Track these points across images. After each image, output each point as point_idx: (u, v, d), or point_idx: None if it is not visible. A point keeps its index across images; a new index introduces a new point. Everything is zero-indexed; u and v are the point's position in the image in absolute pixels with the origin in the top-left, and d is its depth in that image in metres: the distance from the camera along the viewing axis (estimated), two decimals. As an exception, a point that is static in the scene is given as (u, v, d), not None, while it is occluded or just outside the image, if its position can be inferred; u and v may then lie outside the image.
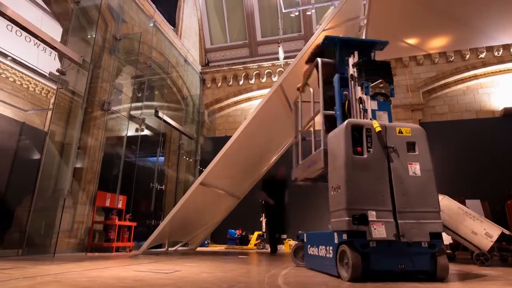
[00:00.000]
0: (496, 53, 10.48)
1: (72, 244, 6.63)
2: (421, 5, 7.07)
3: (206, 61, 13.43)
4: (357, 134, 3.27)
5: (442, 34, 7.88)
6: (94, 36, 7.53)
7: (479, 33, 7.72)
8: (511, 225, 5.70)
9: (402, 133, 3.29)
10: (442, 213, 5.07)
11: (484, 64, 10.60)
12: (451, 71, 10.80)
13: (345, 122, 3.30)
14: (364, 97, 3.72)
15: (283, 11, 10.55)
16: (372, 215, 3.01)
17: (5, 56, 12.36)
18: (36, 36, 5.48)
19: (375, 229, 2.98)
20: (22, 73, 13.27)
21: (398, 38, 8.03)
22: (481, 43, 9.03)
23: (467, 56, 10.68)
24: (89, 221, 6.99)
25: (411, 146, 3.28)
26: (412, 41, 8.12)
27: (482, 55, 10.59)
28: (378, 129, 3.19)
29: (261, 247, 9.98)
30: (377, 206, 3.05)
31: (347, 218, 2.96)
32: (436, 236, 2.99)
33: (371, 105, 3.65)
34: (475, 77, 10.77)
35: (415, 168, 3.19)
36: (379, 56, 4.60)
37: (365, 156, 3.18)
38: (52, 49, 5.88)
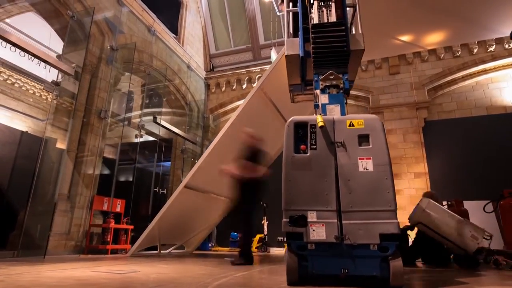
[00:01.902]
0: (506, 46, 9.92)
1: (70, 246, 6.97)
2: (410, 1, 6.88)
3: (211, 67, 13.66)
4: (301, 132, 3.11)
5: (437, 29, 7.61)
6: (92, 48, 7.93)
7: (477, 26, 7.40)
8: (504, 226, 5.42)
9: (353, 125, 3.06)
10: (429, 215, 4.96)
11: (494, 57, 10.06)
12: (458, 66, 10.34)
13: (289, 120, 3.17)
14: (316, 91, 3.50)
15: (277, 14, 10.57)
16: (312, 216, 2.86)
17: (24, 71, 13.28)
18: (27, 51, 5.88)
19: (313, 230, 2.83)
20: (41, 85, 14.10)
21: (391, 36, 7.83)
22: (480, 37, 8.62)
23: (475, 50, 10.19)
24: (87, 224, 7.31)
25: (364, 139, 2.99)
26: (406, 38, 7.89)
27: (491, 48, 10.07)
28: (320, 124, 2.99)
29: (263, 250, 9.97)
30: (319, 206, 2.88)
31: (284, 219, 2.88)
32: (389, 238, 2.68)
33: (321, 99, 3.39)
34: (485, 71, 10.25)
35: (366, 163, 2.93)
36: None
37: (308, 154, 3.02)
38: (45, 62, 6.25)
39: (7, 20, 10.91)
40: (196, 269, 4.22)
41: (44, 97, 14.46)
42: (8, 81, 13.43)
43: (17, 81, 13.65)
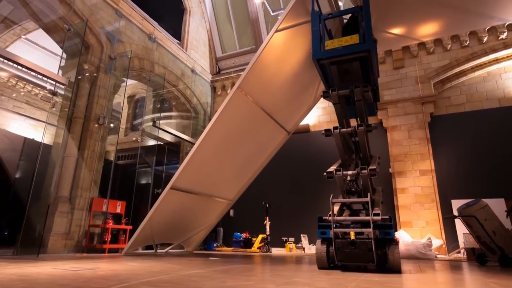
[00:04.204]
0: (520, 32, 9.25)
1: (69, 246, 7.39)
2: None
3: (218, 70, 13.88)
4: None
5: (430, 20, 7.24)
6: (90, 58, 8.38)
7: (474, 15, 6.98)
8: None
9: None
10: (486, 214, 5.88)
11: (506, 45, 9.41)
12: (467, 57, 9.76)
13: None
14: None
15: (271, 14, 10.51)
16: None
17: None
18: (21, 65, 6.35)
19: None
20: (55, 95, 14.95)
21: (380, 30, 7.56)
22: (479, 25, 8.08)
23: (485, 39, 9.58)
24: (86, 225, 7.72)
25: None
26: (397, 31, 7.58)
27: (503, 36, 9.42)
28: None
29: (265, 250, 9.97)
30: None
31: None
32: None
33: None
34: (496, 61, 9.60)
35: None
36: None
37: None
38: (40, 74, 6.71)
39: (23, 36, 11.77)
40: (157, 267, 4.35)
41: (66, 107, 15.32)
42: (32, 92, 14.49)
43: (40, 92, 14.67)
